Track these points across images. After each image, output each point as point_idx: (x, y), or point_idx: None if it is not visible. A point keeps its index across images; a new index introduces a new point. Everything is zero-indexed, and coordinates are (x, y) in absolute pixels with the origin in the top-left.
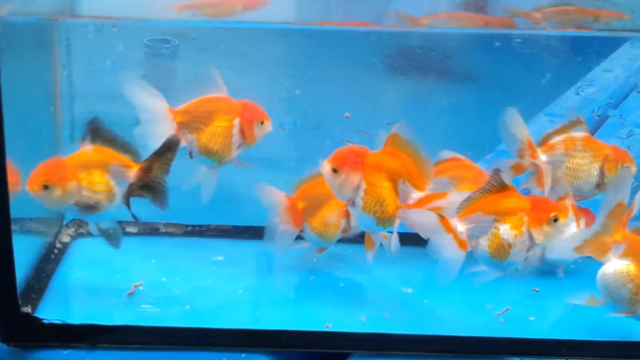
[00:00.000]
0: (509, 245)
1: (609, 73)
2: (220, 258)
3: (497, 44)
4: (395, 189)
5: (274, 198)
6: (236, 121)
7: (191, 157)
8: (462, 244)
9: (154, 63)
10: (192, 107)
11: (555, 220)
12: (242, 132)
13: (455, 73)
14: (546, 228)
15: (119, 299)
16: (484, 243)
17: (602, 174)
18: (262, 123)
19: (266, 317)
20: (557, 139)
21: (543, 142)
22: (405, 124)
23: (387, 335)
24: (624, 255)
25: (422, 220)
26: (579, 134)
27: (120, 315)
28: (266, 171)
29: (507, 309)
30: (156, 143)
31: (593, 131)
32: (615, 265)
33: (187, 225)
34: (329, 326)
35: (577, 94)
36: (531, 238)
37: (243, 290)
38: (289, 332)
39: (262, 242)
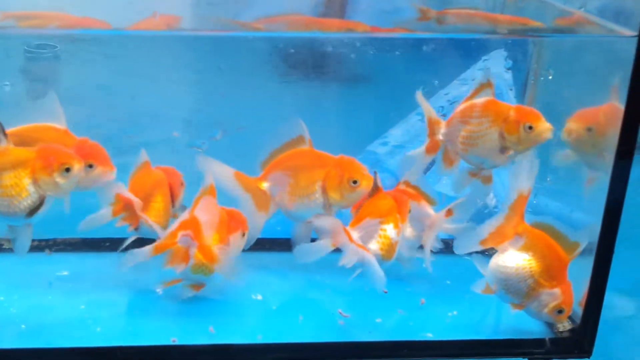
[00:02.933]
0: (396, 243)
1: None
2: (65, 273)
3: (364, 47)
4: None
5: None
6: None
7: None
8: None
9: None
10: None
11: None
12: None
13: (328, 75)
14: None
15: None
16: (374, 247)
17: (502, 137)
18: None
19: (107, 333)
20: (457, 108)
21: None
22: None
23: (227, 346)
24: (525, 249)
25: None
26: (481, 99)
27: None
28: None
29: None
30: None
31: None
32: (516, 260)
33: (33, 240)
34: (175, 340)
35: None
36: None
37: (85, 306)
38: (125, 348)
39: (110, 255)
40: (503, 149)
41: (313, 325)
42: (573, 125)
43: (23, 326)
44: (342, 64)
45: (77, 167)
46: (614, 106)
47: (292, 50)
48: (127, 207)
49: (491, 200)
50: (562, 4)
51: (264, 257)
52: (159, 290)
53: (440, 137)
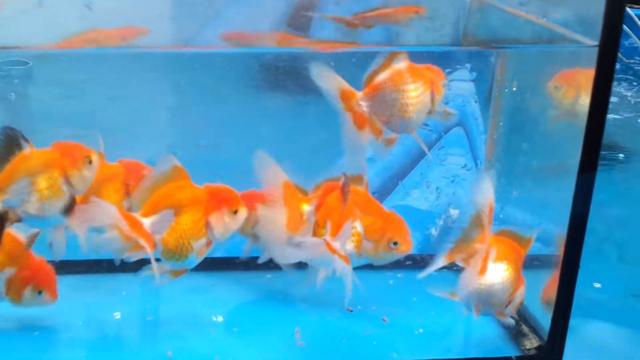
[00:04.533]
0: (362, 236)
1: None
2: None
3: (332, 60)
4: None
5: None
6: None
7: None
8: (346, 259)
9: None
10: None
11: None
12: None
13: (300, 89)
14: None
15: None
16: (349, 247)
17: (433, 98)
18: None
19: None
20: (382, 76)
21: (367, 82)
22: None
23: None
24: (498, 260)
25: (314, 249)
26: (402, 64)
27: None
28: None
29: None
30: None
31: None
32: (499, 274)
33: None
34: None
35: None
36: None
37: (39, 332)
38: None
39: (66, 278)
40: (430, 111)
41: (273, 348)
42: (550, 83)
43: None
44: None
45: (95, 157)
46: None
47: (259, 66)
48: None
49: (454, 212)
50: (525, 12)
51: (226, 277)
52: (117, 314)
53: (364, 109)
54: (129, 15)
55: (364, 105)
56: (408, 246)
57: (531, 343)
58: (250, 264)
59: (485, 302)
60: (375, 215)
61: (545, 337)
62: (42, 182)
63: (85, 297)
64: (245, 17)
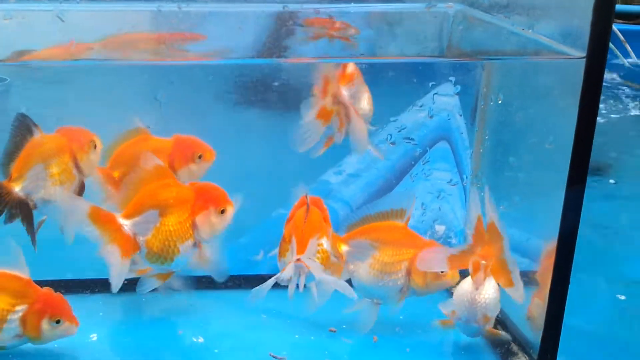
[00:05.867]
0: (330, 254)
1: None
2: None
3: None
4: None
5: None
6: None
7: None
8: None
9: None
10: None
11: None
12: None
13: (280, 103)
14: None
15: None
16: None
17: None
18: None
19: None
20: (349, 69)
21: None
22: None
23: None
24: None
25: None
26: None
27: None
28: None
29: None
30: None
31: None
32: (494, 286)
33: None
34: None
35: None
36: None
37: (13, 356)
38: None
39: None
40: None
41: None
42: None
43: None
44: (294, 92)
45: (99, 142)
46: None
47: (237, 79)
48: None
49: (440, 227)
50: (509, 25)
51: (206, 296)
52: (93, 336)
53: (347, 99)
54: (105, 28)
55: (347, 95)
56: (454, 272)
57: None
58: (230, 283)
59: (487, 315)
60: (416, 246)
61: (535, 356)
62: (55, 168)
63: None
64: (221, 30)
